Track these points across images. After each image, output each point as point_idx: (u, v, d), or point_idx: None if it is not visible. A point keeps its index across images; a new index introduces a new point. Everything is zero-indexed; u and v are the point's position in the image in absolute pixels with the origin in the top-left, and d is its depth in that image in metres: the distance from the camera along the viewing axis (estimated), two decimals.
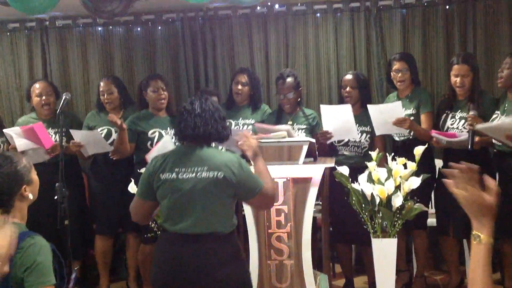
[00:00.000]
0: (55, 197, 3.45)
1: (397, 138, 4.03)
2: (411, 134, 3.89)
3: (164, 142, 3.81)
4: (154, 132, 4.02)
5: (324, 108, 3.82)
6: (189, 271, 2.41)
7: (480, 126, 3.34)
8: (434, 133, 3.66)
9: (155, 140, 3.99)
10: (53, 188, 3.44)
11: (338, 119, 3.76)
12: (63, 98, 3.75)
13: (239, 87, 4.25)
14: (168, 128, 4.06)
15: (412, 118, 3.84)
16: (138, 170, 3.63)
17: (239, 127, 4.17)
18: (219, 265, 2.42)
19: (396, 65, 3.98)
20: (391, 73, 4.02)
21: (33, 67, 5.04)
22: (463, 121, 3.67)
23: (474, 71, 3.70)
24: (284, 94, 4.04)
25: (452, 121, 3.74)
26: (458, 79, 3.70)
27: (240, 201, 3.11)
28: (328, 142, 3.89)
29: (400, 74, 3.96)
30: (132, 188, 3.53)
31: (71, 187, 3.68)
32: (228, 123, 2.74)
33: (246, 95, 4.28)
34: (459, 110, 3.73)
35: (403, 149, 3.80)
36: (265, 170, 2.67)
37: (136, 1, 3.31)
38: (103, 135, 4.15)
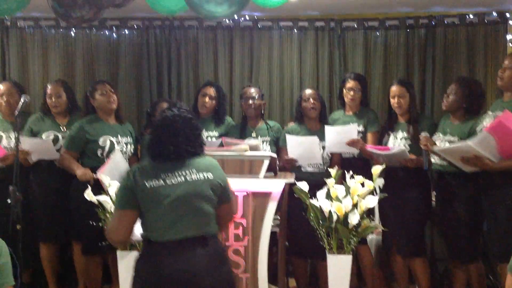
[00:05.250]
0: (8, 201, 3.36)
1: (343, 156, 4.14)
2: (357, 152, 4.03)
3: (115, 158, 3.73)
4: (105, 140, 3.89)
5: (290, 138, 3.92)
6: (184, 277, 2.31)
7: (438, 148, 3.47)
8: (369, 148, 3.84)
9: (107, 148, 3.88)
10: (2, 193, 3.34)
11: (304, 149, 3.87)
12: (22, 100, 3.66)
13: (207, 99, 4.25)
14: (119, 136, 3.96)
15: (360, 135, 4.03)
16: (95, 176, 3.59)
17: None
18: (214, 267, 2.37)
19: (349, 84, 4.14)
20: (344, 90, 4.18)
21: None
22: (404, 140, 3.84)
23: (410, 93, 3.89)
24: (250, 98, 4.16)
25: (394, 141, 3.90)
26: (396, 100, 3.89)
27: None
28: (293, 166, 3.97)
29: (352, 93, 4.13)
30: (89, 195, 3.46)
31: (21, 192, 3.58)
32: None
33: (211, 108, 4.28)
34: (400, 131, 3.91)
35: (349, 166, 3.87)
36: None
37: (106, 8, 3.26)
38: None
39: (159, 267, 2.32)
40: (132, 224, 2.45)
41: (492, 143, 3.17)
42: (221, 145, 4.04)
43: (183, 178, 2.40)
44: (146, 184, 2.38)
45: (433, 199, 3.92)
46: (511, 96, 3.36)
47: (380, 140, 4.03)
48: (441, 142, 3.68)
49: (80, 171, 3.81)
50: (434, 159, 3.70)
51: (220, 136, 4.17)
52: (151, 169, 2.43)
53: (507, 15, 4.56)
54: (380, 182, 4.00)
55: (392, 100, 3.93)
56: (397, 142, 3.87)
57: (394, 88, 3.92)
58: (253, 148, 3.64)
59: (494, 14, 4.58)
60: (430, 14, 4.70)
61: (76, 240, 4.04)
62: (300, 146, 3.88)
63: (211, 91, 4.27)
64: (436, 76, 4.69)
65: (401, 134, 3.88)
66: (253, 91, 4.22)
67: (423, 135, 3.64)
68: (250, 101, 4.18)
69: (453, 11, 4.68)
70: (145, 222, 2.43)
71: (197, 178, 2.41)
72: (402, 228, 3.80)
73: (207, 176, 2.42)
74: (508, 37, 4.58)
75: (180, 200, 2.38)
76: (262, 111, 4.27)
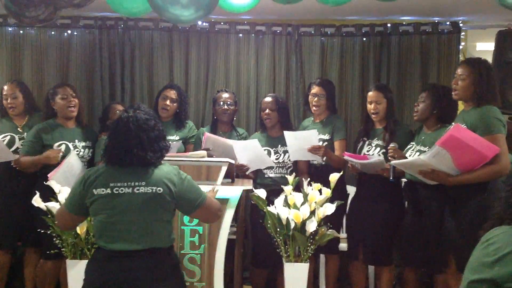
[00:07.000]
0: None
1: (311, 163, 4.07)
2: (325, 159, 3.96)
3: (69, 160, 3.64)
4: (61, 144, 3.81)
5: (235, 144, 3.83)
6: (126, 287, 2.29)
7: (395, 162, 3.44)
8: (346, 156, 3.74)
9: (61, 152, 3.77)
10: None
11: (249, 153, 3.80)
12: None
13: (168, 102, 4.16)
14: (77, 141, 3.89)
15: (326, 143, 3.94)
16: (44, 183, 3.44)
17: None
18: (156, 280, 2.32)
19: (314, 89, 4.06)
20: (309, 96, 4.10)
21: None
22: (378, 148, 3.76)
23: (387, 99, 3.81)
24: (226, 103, 4.13)
25: (369, 148, 3.81)
26: (372, 106, 3.80)
27: None
28: (247, 173, 3.89)
29: (316, 99, 4.03)
30: (37, 201, 3.34)
31: None
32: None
33: (172, 112, 4.20)
34: (376, 138, 3.82)
35: (317, 174, 3.85)
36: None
37: (63, 8, 3.12)
38: (5, 142, 3.89)
39: (104, 274, 2.32)
40: (75, 225, 2.59)
41: (446, 157, 3.09)
42: (184, 150, 4.01)
43: (130, 190, 2.35)
44: (94, 191, 2.36)
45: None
46: (472, 105, 3.26)
47: (355, 146, 3.96)
48: (412, 152, 3.61)
49: (44, 156, 3.72)
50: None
51: (181, 140, 4.10)
52: (103, 175, 2.40)
53: (461, 25, 4.65)
54: (352, 190, 4.00)
55: (368, 106, 3.83)
56: (372, 149, 3.79)
57: (371, 94, 3.82)
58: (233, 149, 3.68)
59: (448, 23, 4.66)
60: (385, 22, 4.74)
61: (33, 245, 3.94)
62: (246, 151, 3.80)
63: (173, 93, 4.19)
64: (390, 83, 4.72)
65: (376, 142, 3.80)
66: (228, 96, 4.19)
67: (392, 145, 3.57)
68: (226, 106, 4.13)
69: (408, 20, 4.74)
70: (94, 227, 2.42)
71: (145, 191, 2.35)
72: (372, 237, 3.73)
73: (156, 190, 2.36)
74: (461, 46, 4.68)
75: (124, 212, 2.34)
76: (233, 118, 4.25)
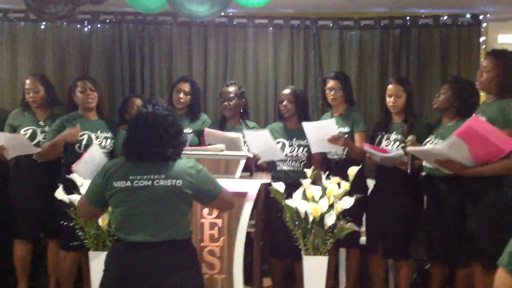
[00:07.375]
0: None
1: (330, 157, 4.07)
2: (344, 153, 3.95)
3: (92, 151, 3.70)
4: (83, 135, 3.89)
5: (247, 133, 3.82)
6: (144, 278, 2.32)
7: (411, 148, 3.44)
8: (366, 147, 3.71)
9: (84, 143, 3.87)
10: None
11: (260, 143, 3.79)
12: None
13: (181, 95, 4.19)
14: (99, 131, 3.97)
15: (346, 136, 3.90)
16: (67, 176, 3.51)
17: None
18: (174, 271, 2.35)
19: (330, 83, 4.05)
20: (325, 91, 4.09)
21: None
22: (397, 143, 3.73)
23: (407, 93, 3.78)
24: (225, 99, 4.10)
25: (387, 142, 3.79)
26: (391, 99, 3.78)
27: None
28: (258, 163, 3.87)
29: (333, 92, 4.02)
30: (60, 194, 3.40)
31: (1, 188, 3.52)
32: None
33: (186, 104, 4.23)
34: (394, 132, 3.79)
35: (336, 169, 3.83)
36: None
37: (82, 5, 3.15)
38: (27, 136, 3.98)
39: (123, 265, 2.35)
40: (95, 216, 2.68)
41: (463, 148, 3.06)
42: (198, 142, 4.04)
43: (150, 183, 2.38)
44: (114, 184, 2.39)
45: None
46: (494, 97, 3.21)
47: (373, 140, 3.92)
48: (430, 145, 3.56)
49: (64, 133, 3.80)
50: (425, 163, 3.55)
51: (194, 132, 4.13)
52: (123, 168, 2.43)
53: (481, 17, 4.61)
54: (371, 183, 4.00)
55: (387, 99, 3.80)
56: (390, 143, 3.77)
57: (390, 87, 3.79)
58: (234, 141, 3.62)
59: (468, 16, 4.62)
60: (404, 14, 4.71)
61: (55, 237, 4.00)
62: (257, 141, 3.78)
63: (186, 86, 4.22)
64: (410, 76, 4.69)
65: (394, 136, 3.77)
66: (230, 90, 4.14)
67: (410, 138, 3.56)
68: (226, 102, 4.13)
69: (427, 12, 4.70)
70: (114, 219, 2.46)
71: (165, 184, 2.38)
72: (390, 231, 3.73)
73: (175, 183, 2.39)
74: (481, 39, 4.63)
75: (143, 204, 2.37)
76: (241, 110, 4.21)
